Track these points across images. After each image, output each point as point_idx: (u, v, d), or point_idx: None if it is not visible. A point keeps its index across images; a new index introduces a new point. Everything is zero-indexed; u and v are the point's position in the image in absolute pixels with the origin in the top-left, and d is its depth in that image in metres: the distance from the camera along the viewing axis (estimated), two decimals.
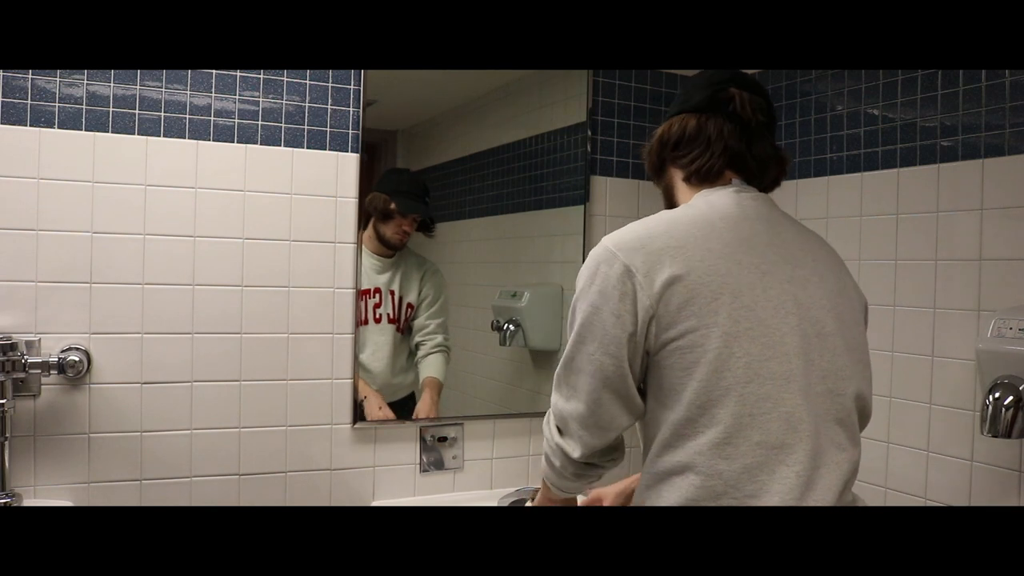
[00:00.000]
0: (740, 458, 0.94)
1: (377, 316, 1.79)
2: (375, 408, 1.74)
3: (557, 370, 1.08)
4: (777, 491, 0.93)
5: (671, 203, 1.17)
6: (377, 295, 1.79)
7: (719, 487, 0.94)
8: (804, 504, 0.94)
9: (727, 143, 1.10)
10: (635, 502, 1.07)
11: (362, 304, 1.74)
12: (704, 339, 0.96)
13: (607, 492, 1.34)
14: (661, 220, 1.05)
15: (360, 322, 1.73)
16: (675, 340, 0.97)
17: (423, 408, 1.82)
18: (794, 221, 1.13)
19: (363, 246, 1.74)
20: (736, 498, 0.94)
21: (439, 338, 1.88)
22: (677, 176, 1.15)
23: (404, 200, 1.80)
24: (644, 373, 1.03)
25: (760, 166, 1.12)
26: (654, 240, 1.00)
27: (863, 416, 1.08)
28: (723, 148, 1.10)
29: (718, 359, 0.95)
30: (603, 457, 1.08)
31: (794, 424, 0.96)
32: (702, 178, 1.11)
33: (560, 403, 1.07)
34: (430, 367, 1.87)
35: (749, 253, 1.01)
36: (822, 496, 0.96)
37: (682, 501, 0.96)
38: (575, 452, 1.06)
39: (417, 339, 1.87)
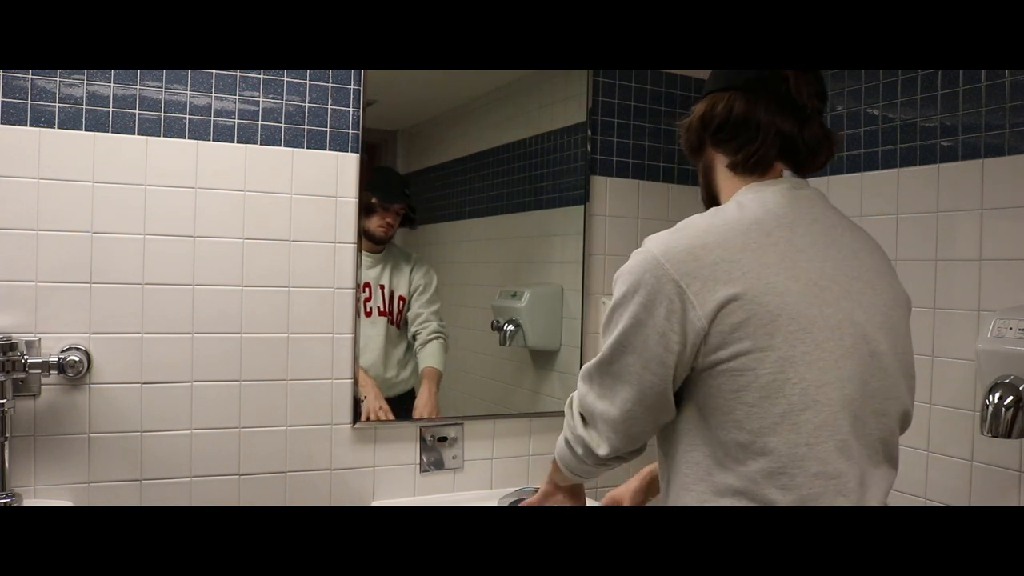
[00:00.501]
0: (797, 489, 0.90)
1: (367, 310, 1.79)
2: (375, 406, 1.74)
3: (589, 365, 1.03)
4: None
5: (708, 184, 1.10)
6: (367, 289, 1.80)
7: None
8: None
9: (779, 129, 1.01)
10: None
11: None
12: (757, 363, 0.90)
13: (623, 494, 1.29)
14: (712, 226, 0.96)
15: None
16: (726, 361, 0.91)
17: (422, 401, 1.82)
18: (844, 219, 1.06)
19: None
20: None
21: (434, 325, 1.89)
22: (719, 161, 1.07)
23: (384, 193, 1.81)
24: (683, 382, 0.97)
25: (811, 152, 1.03)
26: (707, 252, 0.93)
27: (903, 429, 1.05)
28: (774, 136, 1.01)
29: (772, 384, 0.90)
30: (627, 451, 1.04)
31: (847, 451, 0.92)
32: (750, 169, 1.03)
33: (590, 398, 1.02)
34: (428, 357, 1.87)
35: (807, 267, 0.95)
36: None
37: None
38: (601, 450, 1.02)
39: (413, 329, 1.88)
